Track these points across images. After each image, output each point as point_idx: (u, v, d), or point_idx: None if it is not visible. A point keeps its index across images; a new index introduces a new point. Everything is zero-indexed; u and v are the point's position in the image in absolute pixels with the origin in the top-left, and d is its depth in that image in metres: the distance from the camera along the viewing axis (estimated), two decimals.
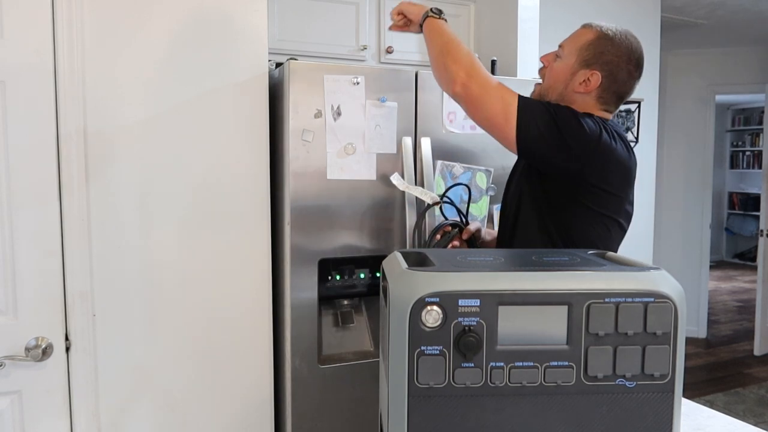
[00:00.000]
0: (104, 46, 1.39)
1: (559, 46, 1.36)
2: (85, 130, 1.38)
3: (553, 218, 1.29)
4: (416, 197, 1.65)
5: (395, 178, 1.65)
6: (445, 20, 1.40)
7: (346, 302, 1.80)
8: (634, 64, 1.30)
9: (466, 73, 1.26)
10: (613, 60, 1.29)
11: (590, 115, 1.27)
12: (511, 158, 1.63)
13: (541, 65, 1.40)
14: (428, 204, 1.59)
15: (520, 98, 1.24)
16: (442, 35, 1.35)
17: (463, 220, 1.54)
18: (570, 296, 0.64)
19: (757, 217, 6.11)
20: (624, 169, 1.26)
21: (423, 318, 0.63)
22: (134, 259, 1.46)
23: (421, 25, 1.42)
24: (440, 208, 1.60)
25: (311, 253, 1.62)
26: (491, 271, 0.66)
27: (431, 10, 1.41)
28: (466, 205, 1.58)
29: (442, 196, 1.59)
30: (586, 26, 1.34)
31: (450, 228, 1.51)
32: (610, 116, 1.35)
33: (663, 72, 4.39)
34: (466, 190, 1.65)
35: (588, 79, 1.30)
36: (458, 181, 1.75)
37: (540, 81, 1.42)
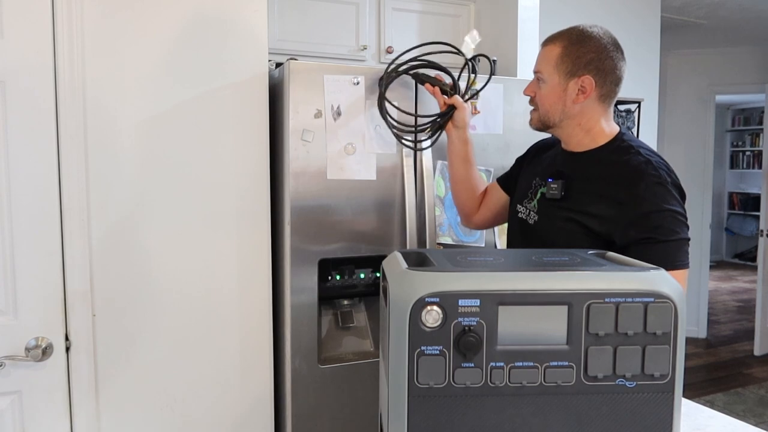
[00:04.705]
0: (104, 45, 1.39)
1: (536, 72, 1.35)
2: (85, 130, 1.38)
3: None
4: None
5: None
6: None
7: (346, 302, 1.80)
8: (612, 47, 1.30)
9: None
10: (593, 57, 1.28)
11: (670, 191, 1.23)
12: (510, 158, 1.63)
13: (529, 97, 1.39)
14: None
15: (673, 262, 1.20)
16: None
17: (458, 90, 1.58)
18: (570, 296, 0.64)
19: (757, 217, 6.10)
20: None
21: (423, 318, 0.63)
22: (134, 258, 1.45)
23: None
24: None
25: (311, 253, 1.62)
26: (491, 271, 0.67)
27: None
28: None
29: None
30: (546, 44, 1.34)
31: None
32: (612, 106, 1.34)
33: (663, 72, 4.39)
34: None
35: (582, 86, 1.29)
36: None
37: (533, 108, 1.39)
